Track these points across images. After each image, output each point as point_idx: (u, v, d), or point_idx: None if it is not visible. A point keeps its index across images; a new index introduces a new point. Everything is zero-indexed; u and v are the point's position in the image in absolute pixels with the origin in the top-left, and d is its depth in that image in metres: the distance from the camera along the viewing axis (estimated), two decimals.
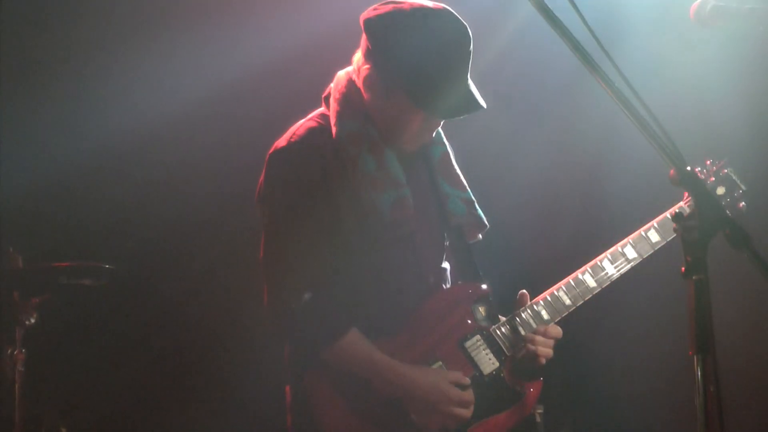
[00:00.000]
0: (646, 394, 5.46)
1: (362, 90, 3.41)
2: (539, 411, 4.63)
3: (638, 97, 2.16)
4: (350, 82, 3.45)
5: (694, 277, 2.03)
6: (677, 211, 2.14)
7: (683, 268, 2.05)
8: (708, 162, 3.91)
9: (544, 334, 3.51)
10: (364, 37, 3.36)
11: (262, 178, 3.45)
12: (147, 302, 5.56)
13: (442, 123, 3.48)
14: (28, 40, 5.39)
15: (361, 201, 3.34)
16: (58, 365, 5.30)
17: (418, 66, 3.26)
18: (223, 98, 5.49)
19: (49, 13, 5.42)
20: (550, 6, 2.26)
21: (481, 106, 3.34)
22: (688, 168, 2.12)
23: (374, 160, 3.38)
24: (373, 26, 3.32)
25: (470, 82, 3.35)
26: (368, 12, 3.36)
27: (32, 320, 4.58)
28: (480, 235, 3.64)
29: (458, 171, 3.65)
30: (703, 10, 3.33)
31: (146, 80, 5.43)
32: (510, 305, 3.58)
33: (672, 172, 2.12)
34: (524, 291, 3.59)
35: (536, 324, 3.53)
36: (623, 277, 3.70)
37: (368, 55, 3.37)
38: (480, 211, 3.63)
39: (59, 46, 5.43)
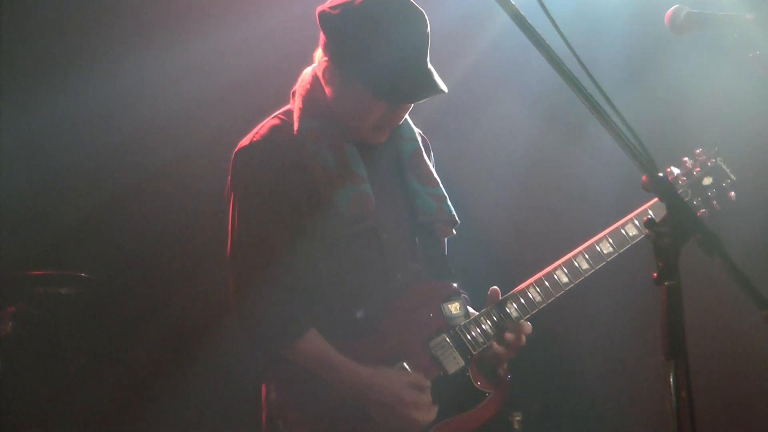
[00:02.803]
0: (624, 400, 5.47)
1: (323, 84, 3.41)
2: (518, 418, 4.61)
3: (610, 103, 2.16)
4: (315, 79, 3.45)
5: (666, 283, 2.03)
6: (648, 217, 2.13)
7: (655, 275, 2.05)
8: (697, 151, 3.83)
9: (511, 332, 3.46)
10: (321, 31, 3.36)
11: (229, 177, 3.45)
12: (123, 311, 5.54)
13: (410, 109, 3.43)
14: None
15: (321, 198, 3.32)
16: (33, 374, 5.26)
17: (373, 55, 3.24)
18: (205, 103, 5.47)
19: (47, 16, 5.40)
20: (523, 12, 2.26)
21: (441, 90, 3.30)
22: (660, 174, 2.13)
23: (334, 157, 3.36)
24: (327, 19, 3.32)
25: (430, 66, 3.32)
26: (323, 5, 3.37)
27: (7, 329, 4.54)
28: (454, 230, 3.59)
29: (431, 167, 3.61)
30: (678, 17, 3.35)
31: (130, 86, 5.41)
32: (483, 302, 3.53)
33: (644, 178, 2.13)
34: (495, 287, 3.53)
35: (505, 321, 3.48)
36: (599, 283, 3.66)
37: (325, 49, 3.38)
38: (451, 207, 3.57)
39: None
